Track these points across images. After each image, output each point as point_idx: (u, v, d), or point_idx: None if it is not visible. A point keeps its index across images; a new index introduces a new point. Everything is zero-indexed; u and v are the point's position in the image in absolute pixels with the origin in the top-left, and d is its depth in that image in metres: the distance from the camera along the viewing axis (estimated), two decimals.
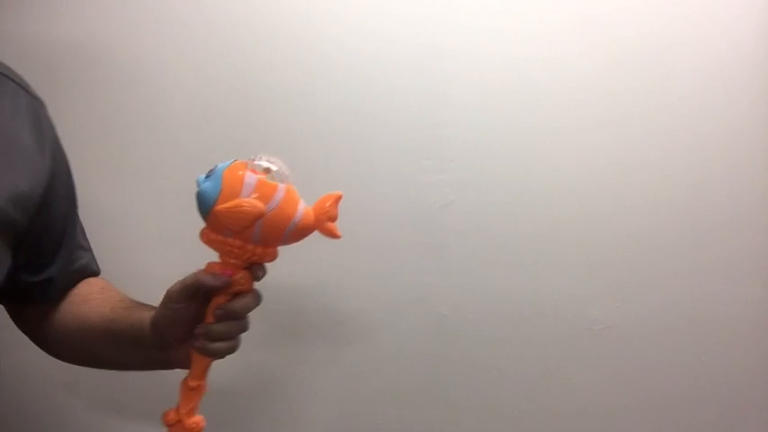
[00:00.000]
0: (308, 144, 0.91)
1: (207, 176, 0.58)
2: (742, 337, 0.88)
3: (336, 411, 0.94)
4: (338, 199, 0.61)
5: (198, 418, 0.61)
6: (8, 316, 0.72)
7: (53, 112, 0.69)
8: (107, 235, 0.91)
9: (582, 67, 0.88)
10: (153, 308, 0.64)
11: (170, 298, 0.60)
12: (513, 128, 0.90)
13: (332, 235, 0.61)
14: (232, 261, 0.59)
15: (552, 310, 0.90)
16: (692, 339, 0.89)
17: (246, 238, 0.58)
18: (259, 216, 0.57)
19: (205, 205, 0.58)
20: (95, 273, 0.75)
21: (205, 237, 0.60)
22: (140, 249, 0.94)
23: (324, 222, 0.60)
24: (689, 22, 0.87)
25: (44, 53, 0.94)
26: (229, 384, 0.89)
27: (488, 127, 0.90)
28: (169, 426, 0.60)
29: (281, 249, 0.60)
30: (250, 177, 0.57)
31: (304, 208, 0.59)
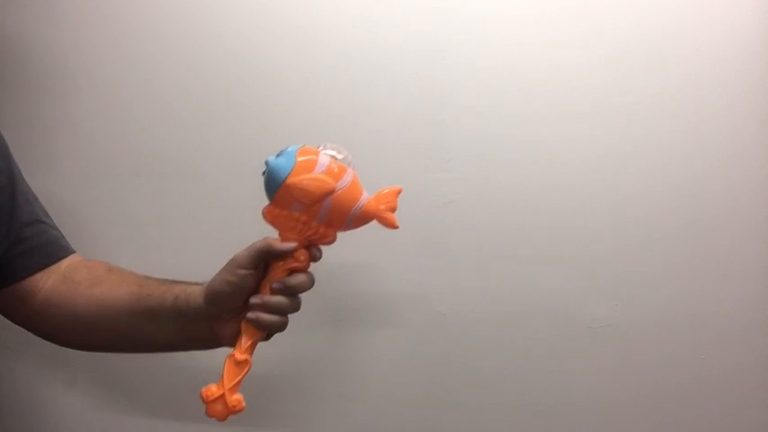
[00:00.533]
0: (307, 142, 0.90)
1: (277, 156, 0.60)
2: (741, 335, 0.88)
3: (336, 411, 0.94)
4: (398, 192, 0.64)
5: (240, 397, 0.59)
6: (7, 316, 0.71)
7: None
8: (106, 237, 0.91)
9: (584, 67, 0.88)
10: (191, 282, 0.64)
11: (238, 263, 0.60)
12: (513, 127, 0.90)
13: (390, 224, 0.63)
14: (293, 237, 0.61)
15: (552, 308, 0.90)
16: (692, 337, 0.89)
17: (313, 214, 0.60)
18: (330, 192, 0.59)
19: (277, 178, 0.59)
20: (69, 248, 0.72)
21: (269, 213, 0.61)
22: (141, 250, 0.93)
23: (384, 211, 0.63)
24: (688, 18, 0.87)
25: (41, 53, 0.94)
26: None
27: (488, 126, 0.90)
28: (209, 401, 0.59)
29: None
30: (323, 157, 0.60)
31: (367, 196, 0.62)
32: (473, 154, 0.90)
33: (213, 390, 0.59)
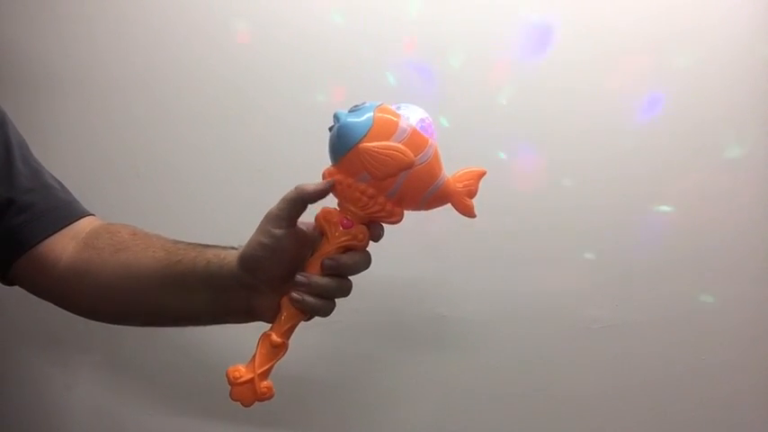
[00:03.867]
0: (306, 142, 0.89)
1: (351, 111, 0.52)
2: (742, 335, 0.88)
3: (335, 411, 0.93)
4: (482, 175, 0.56)
5: (270, 384, 0.53)
6: (7, 317, 0.70)
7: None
8: None
9: (583, 66, 0.88)
10: (225, 246, 0.57)
11: (270, 220, 0.53)
12: (513, 127, 0.90)
13: (468, 212, 0.55)
14: (354, 210, 0.53)
15: (552, 309, 0.90)
16: (692, 338, 0.89)
17: (383, 188, 0.52)
18: (408, 166, 0.51)
19: (349, 140, 0.51)
20: (83, 211, 0.67)
21: (330, 176, 0.53)
22: None
23: (463, 196, 0.55)
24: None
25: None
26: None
27: (488, 126, 0.90)
28: (237, 383, 0.52)
29: None
30: (405, 123, 0.52)
31: (446, 175, 0.54)
32: (473, 154, 0.89)
33: (242, 371, 0.52)
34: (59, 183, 0.68)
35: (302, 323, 0.55)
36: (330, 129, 0.53)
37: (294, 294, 0.53)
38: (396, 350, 0.92)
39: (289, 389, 0.94)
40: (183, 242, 0.61)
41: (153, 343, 0.91)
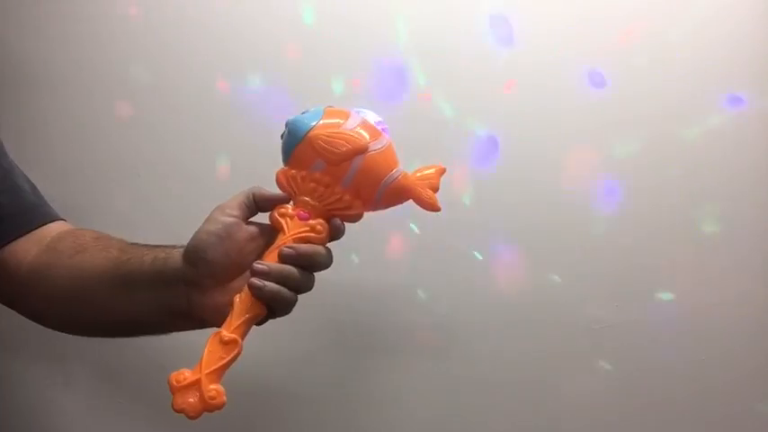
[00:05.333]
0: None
1: (302, 113, 0.53)
2: (742, 336, 0.85)
3: (333, 411, 0.91)
4: (442, 171, 0.55)
5: (221, 388, 0.47)
6: (6, 315, 0.64)
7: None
8: None
9: (582, 64, 0.89)
10: (179, 246, 0.54)
11: (219, 208, 0.51)
12: (513, 127, 0.90)
13: (430, 204, 0.53)
14: (311, 202, 0.52)
15: (552, 308, 0.87)
16: (692, 338, 0.85)
17: (338, 175, 0.51)
18: (361, 149, 0.50)
19: (299, 131, 0.51)
20: (52, 215, 0.65)
21: (283, 175, 0.52)
22: None
23: (424, 188, 0.53)
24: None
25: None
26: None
27: (487, 126, 0.91)
28: (179, 387, 0.46)
29: None
30: (356, 115, 0.52)
31: (403, 169, 0.53)
32: (472, 154, 0.90)
33: (186, 374, 0.47)
34: (32, 185, 0.67)
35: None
36: (282, 136, 0.55)
37: (254, 280, 0.50)
38: (395, 349, 0.91)
39: (285, 389, 0.89)
40: (143, 244, 0.59)
41: (153, 342, 0.81)
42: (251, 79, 0.94)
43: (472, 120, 0.91)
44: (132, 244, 0.60)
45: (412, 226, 0.93)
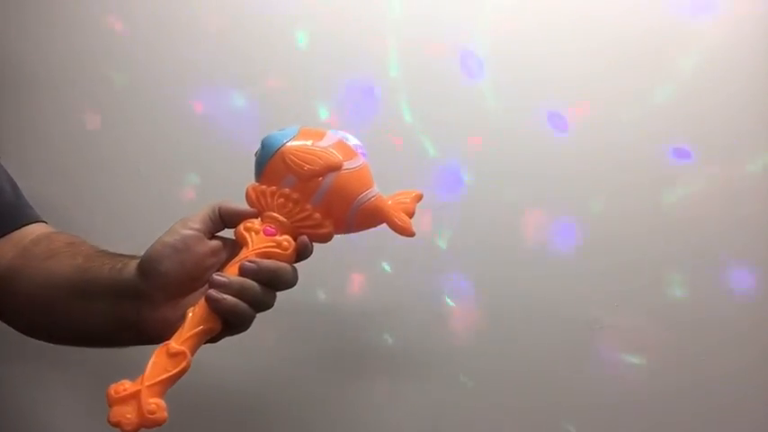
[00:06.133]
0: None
1: (279, 131, 0.52)
2: (741, 336, 0.85)
3: (333, 411, 0.90)
4: (419, 198, 0.54)
5: (162, 403, 0.43)
6: None
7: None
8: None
9: (580, 63, 0.88)
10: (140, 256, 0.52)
11: (180, 221, 0.50)
12: (513, 127, 0.90)
13: (404, 229, 0.52)
14: (279, 218, 0.50)
15: (552, 308, 0.88)
16: (692, 338, 0.85)
17: (308, 192, 0.49)
18: (334, 167, 0.49)
19: (273, 146, 0.50)
20: (30, 217, 0.63)
21: (253, 191, 0.51)
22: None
23: (398, 212, 0.52)
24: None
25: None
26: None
27: (488, 126, 0.90)
28: (116, 399, 0.43)
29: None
30: (333, 135, 0.52)
31: (378, 191, 0.52)
32: (472, 154, 0.90)
33: (127, 385, 0.44)
34: (13, 185, 0.65)
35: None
36: (256, 153, 0.53)
37: (212, 292, 0.47)
38: (394, 350, 0.90)
39: (285, 386, 0.89)
40: (110, 253, 0.57)
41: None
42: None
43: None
44: (100, 252, 0.58)
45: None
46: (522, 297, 0.89)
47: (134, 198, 0.94)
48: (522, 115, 0.89)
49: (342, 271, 0.91)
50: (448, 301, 0.90)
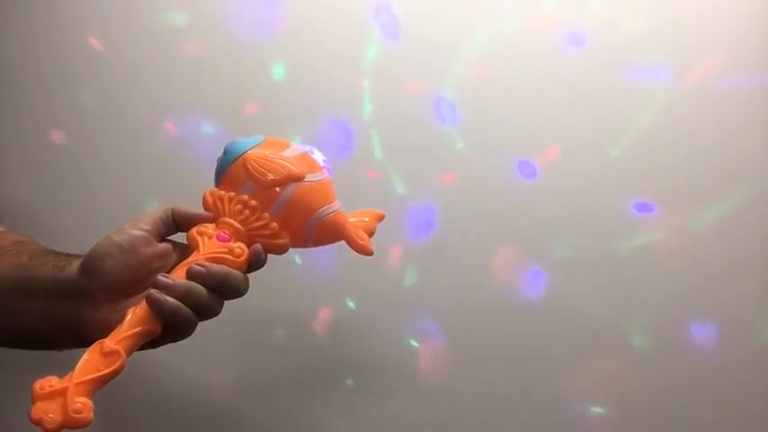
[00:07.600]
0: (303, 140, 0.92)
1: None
2: (741, 335, 0.84)
3: (332, 412, 0.89)
4: (381, 218, 0.54)
5: (89, 403, 0.41)
6: None
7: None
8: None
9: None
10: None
11: (130, 222, 0.48)
12: (513, 127, 0.89)
13: (362, 247, 0.51)
14: (234, 225, 0.49)
15: (552, 308, 0.87)
16: (692, 338, 0.85)
17: (267, 200, 0.49)
18: (295, 177, 0.49)
19: (235, 152, 0.50)
20: None
21: (211, 195, 0.50)
22: None
23: (357, 228, 0.51)
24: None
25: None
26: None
27: (488, 126, 0.90)
28: (41, 395, 0.40)
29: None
30: (298, 147, 0.51)
31: (340, 207, 0.51)
32: (472, 154, 0.90)
33: (53, 382, 0.41)
34: None
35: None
36: (218, 159, 0.53)
37: (154, 292, 0.45)
38: (394, 350, 0.89)
39: (277, 387, 0.87)
40: (56, 252, 0.54)
41: None
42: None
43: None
44: (47, 250, 0.55)
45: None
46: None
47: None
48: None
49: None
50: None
